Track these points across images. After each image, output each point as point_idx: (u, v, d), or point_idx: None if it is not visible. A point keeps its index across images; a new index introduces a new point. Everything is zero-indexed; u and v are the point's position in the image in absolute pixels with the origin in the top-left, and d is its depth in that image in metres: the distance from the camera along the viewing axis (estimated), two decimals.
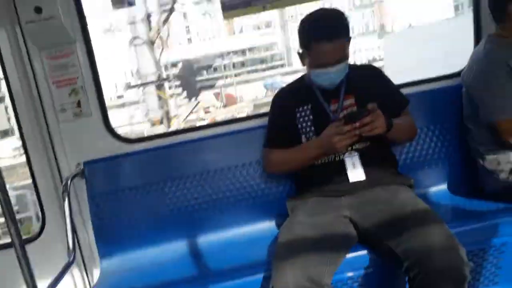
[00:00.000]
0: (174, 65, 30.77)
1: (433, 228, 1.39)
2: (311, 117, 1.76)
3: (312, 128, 1.76)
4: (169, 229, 1.95)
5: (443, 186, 2.05)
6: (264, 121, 1.98)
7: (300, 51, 1.74)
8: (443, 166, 2.06)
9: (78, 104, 1.97)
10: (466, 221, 1.64)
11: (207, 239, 1.94)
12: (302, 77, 1.89)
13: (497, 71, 1.71)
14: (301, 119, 1.78)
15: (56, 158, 2.00)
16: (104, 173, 1.98)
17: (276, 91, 1.99)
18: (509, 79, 1.70)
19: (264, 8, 2.07)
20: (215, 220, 1.98)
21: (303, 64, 1.77)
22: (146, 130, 15.14)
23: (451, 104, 1.99)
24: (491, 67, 1.74)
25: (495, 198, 1.78)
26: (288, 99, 1.85)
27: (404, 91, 1.92)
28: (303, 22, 1.70)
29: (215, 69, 36.60)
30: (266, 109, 2.03)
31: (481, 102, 1.77)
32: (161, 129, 14.96)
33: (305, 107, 1.78)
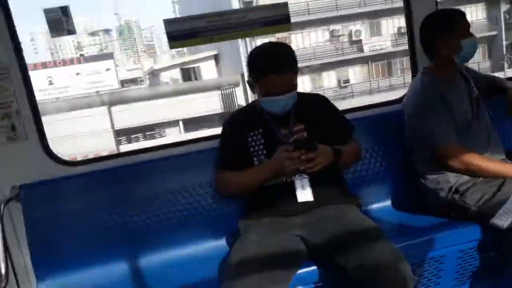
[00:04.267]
0: None
1: (380, 245, 1.44)
2: (262, 141, 1.80)
3: (264, 152, 1.79)
4: (113, 250, 1.86)
5: (388, 203, 2.12)
6: (214, 143, 1.98)
7: (250, 79, 1.78)
8: (387, 184, 2.14)
9: (13, 127, 1.86)
10: (409, 236, 1.71)
11: (155, 260, 1.87)
12: (252, 103, 1.92)
13: (433, 101, 1.83)
14: (253, 143, 1.81)
15: None
16: (43, 197, 1.85)
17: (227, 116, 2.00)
18: (444, 108, 1.82)
19: (212, 40, 2.07)
20: (163, 240, 1.91)
21: (253, 92, 1.81)
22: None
23: (394, 128, 2.08)
24: (427, 98, 1.85)
25: (436, 214, 1.88)
26: (239, 124, 1.87)
27: (350, 116, 2.00)
28: (252, 54, 1.77)
29: None
30: None
31: (420, 129, 1.88)
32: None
33: (256, 132, 1.81)
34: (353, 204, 1.76)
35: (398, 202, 2.11)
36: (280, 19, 2.10)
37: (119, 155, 2.11)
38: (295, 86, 1.75)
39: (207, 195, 1.97)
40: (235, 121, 1.91)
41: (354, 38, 22.97)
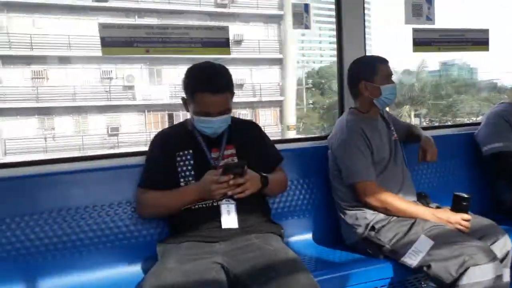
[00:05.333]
0: None
1: (299, 277, 1.44)
2: (191, 162, 1.75)
3: (192, 173, 1.74)
4: (6, 271, 1.65)
5: (309, 236, 2.16)
6: (140, 159, 1.88)
7: (185, 97, 1.74)
8: (309, 217, 2.18)
9: None
10: (326, 270, 1.74)
11: (59, 284, 1.69)
12: (184, 122, 1.88)
13: (355, 138, 1.93)
14: (181, 163, 1.75)
15: None
16: None
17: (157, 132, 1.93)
18: (365, 146, 1.93)
19: (147, 52, 2.00)
20: (69, 262, 1.73)
21: (187, 110, 1.77)
22: None
23: (319, 162, 2.15)
24: (351, 136, 1.95)
25: (353, 249, 1.96)
26: (169, 141, 1.81)
27: (279, 146, 2.03)
28: (190, 71, 1.74)
29: None
30: None
31: (342, 165, 1.96)
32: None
33: (186, 152, 1.76)
34: (276, 234, 1.75)
35: (319, 236, 2.16)
36: (220, 41, 2.09)
37: (33, 163, 1.91)
38: (230, 109, 1.74)
39: (125, 215, 1.84)
40: (165, 138, 1.85)
41: (126, 83, 20.06)
